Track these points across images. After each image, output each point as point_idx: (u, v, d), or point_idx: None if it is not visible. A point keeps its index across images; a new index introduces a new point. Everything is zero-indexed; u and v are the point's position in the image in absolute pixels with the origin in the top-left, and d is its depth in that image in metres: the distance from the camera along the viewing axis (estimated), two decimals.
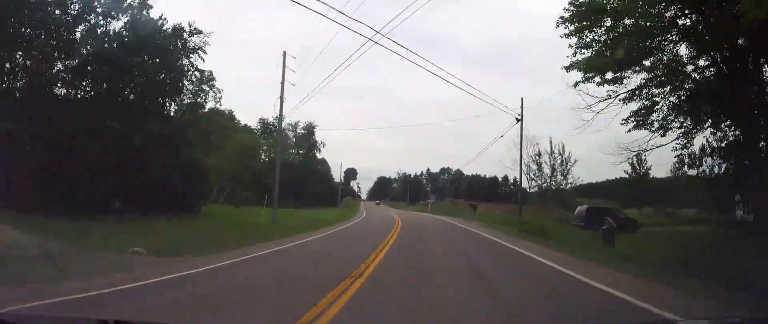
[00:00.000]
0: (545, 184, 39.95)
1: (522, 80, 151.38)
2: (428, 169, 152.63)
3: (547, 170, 40.32)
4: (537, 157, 40.43)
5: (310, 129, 69.47)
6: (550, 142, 42.28)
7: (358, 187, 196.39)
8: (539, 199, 39.58)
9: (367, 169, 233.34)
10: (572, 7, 18.01)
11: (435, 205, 71.55)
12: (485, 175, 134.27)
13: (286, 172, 63.27)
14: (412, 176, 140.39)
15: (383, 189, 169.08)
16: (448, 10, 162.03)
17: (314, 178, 67.63)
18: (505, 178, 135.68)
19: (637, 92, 18.83)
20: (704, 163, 20.11)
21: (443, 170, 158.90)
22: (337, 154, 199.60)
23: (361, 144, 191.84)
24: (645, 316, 5.89)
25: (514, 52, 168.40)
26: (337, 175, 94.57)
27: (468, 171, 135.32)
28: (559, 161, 39.52)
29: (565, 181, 39.23)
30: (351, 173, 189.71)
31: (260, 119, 66.29)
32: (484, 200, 76.62)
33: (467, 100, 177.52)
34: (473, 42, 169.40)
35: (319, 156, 72.83)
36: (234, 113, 65.04)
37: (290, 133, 67.33)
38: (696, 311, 6.39)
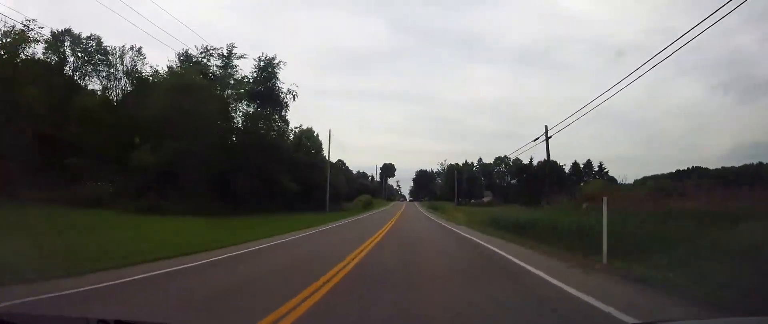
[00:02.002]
0: None
1: None
2: (480, 159, 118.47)
3: None
4: None
5: (267, 67, 38.93)
6: None
7: (398, 184, 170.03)
8: None
9: (410, 169, 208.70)
10: None
11: (501, 210, 37.55)
12: (558, 162, 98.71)
13: (202, 147, 33.08)
14: (460, 165, 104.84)
15: (425, 185, 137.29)
16: None
17: (275, 159, 36.97)
18: (589, 163, 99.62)
19: None
20: None
21: (499, 160, 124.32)
22: (370, 154, 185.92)
23: (404, 143, 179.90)
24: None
25: None
26: (354, 163, 64.33)
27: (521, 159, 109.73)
28: None
29: None
30: (388, 170, 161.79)
31: (181, 54, 36.15)
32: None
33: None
34: None
35: (288, 122, 41.79)
36: None
37: (212, 60, 36.52)
38: None
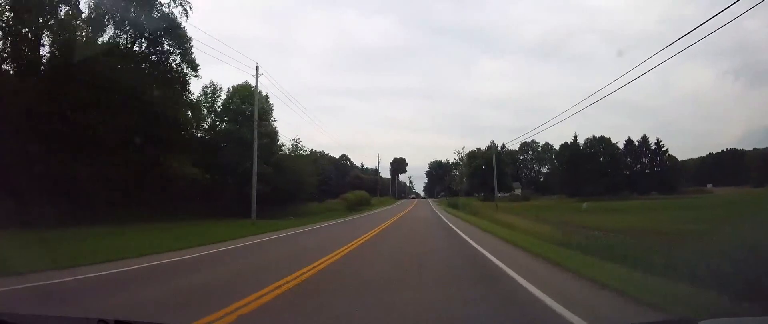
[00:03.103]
0: None
1: None
2: (504, 146, 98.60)
3: None
4: None
5: None
6: None
7: (410, 180, 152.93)
8: None
9: (423, 166, 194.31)
10: None
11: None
12: (610, 138, 78.58)
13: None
14: (482, 150, 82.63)
15: (440, 179, 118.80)
16: None
17: (158, 124, 18.48)
18: (645, 140, 78.73)
19: None
20: None
21: (526, 146, 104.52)
22: (381, 151, 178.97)
23: (416, 139, 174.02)
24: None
25: None
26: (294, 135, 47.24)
27: (552, 140, 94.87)
28: None
29: None
30: (399, 164, 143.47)
31: None
32: None
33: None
34: None
35: (197, 65, 23.72)
36: None
37: None
38: None
